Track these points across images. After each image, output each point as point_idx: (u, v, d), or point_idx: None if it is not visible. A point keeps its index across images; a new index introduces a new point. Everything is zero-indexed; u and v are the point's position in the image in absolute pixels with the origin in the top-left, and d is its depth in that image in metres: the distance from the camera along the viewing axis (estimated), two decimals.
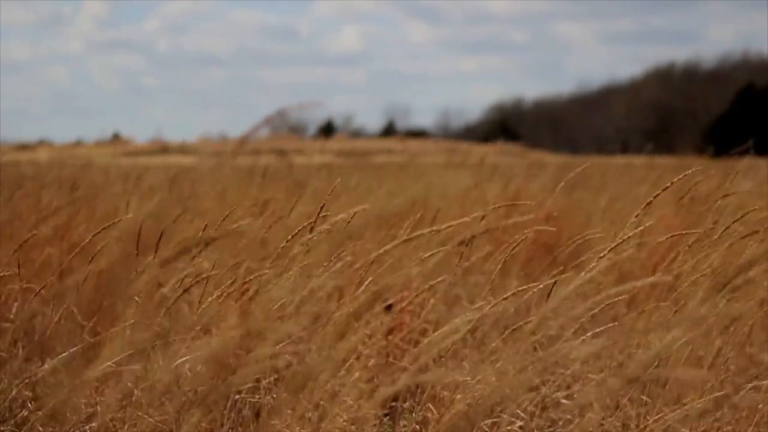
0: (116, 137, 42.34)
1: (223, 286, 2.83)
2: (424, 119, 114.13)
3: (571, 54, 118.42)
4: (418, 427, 2.80)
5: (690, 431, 2.67)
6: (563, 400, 3.01)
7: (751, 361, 3.13)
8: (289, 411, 2.51)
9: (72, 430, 2.72)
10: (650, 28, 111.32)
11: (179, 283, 2.78)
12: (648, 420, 2.69)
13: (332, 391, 2.52)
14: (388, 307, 3.07)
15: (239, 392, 2.84)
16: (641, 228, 2.97)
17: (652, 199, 3.03)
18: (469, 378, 2.75)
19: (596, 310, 2.68)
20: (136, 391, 2.59)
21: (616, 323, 3.06)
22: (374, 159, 19.92)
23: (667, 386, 2.77)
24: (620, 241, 2.86)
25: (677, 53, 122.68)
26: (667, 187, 3.09)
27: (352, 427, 2.59)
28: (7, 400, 2.89)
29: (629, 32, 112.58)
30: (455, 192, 6.25)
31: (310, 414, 2.52)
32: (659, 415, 2.64)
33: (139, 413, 2.54)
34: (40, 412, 2.70)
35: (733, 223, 3.13)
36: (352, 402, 2.60)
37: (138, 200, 5.30)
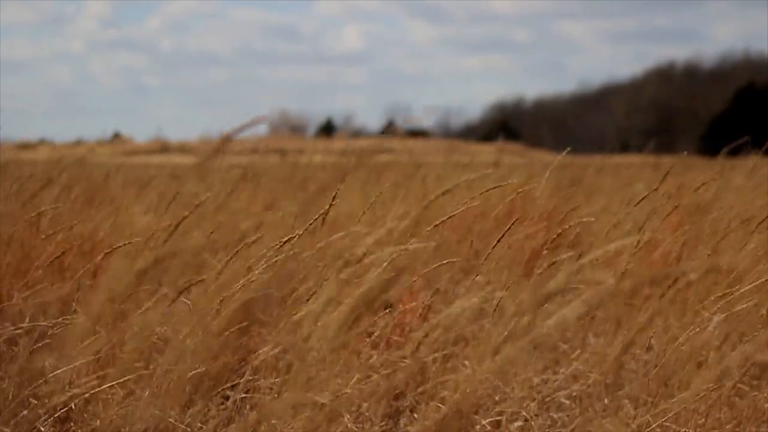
0: (117, 136, 42.30)
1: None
2: (425, 118, 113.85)
3: (575, 53, 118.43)
4: (418, 426, 2.80)
5: (692, 430, 2.67)
6: (563, 400, 3.01)
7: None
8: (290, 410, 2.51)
9: (74, 427, 2.72)
10: (653, 28, 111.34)
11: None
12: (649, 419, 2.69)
13: (334, 389, 2.52)
14: (389, 307, 3.07)
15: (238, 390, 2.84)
16: (641, 225, 2.97)
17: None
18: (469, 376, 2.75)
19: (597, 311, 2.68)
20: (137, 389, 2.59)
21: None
22: (374, 158, 19.87)
23: (668, 386, 2.77)
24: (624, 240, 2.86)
25: (679, 52, 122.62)
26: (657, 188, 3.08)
27: (355, 426, 2.60)
28: (8, 398, 2.89)
29: (632, 31, 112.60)
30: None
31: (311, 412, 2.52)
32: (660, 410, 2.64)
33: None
34: (41, 411, 2.70)
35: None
36: (353, 402, 2.60)
37: None
